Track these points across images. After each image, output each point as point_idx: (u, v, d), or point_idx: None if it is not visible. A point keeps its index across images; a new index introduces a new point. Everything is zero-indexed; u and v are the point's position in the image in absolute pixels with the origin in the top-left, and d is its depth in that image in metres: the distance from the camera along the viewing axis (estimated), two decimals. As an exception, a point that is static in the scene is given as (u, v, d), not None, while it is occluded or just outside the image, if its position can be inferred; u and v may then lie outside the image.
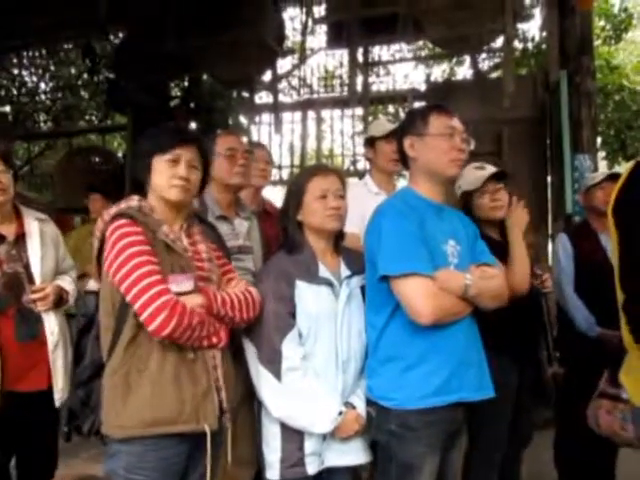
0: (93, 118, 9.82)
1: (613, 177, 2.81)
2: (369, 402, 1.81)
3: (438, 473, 1.79)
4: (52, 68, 9.59)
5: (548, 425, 3.14)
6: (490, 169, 2.33)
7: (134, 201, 1.71)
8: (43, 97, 9.83)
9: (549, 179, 5.43)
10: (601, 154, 6.23)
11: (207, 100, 7.20)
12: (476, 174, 2.35)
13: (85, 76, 8.83)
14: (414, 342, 1.71)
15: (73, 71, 9.59)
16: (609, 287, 1.53)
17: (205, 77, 7.22)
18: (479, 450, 1.96)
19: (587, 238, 2.90)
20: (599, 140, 5.70)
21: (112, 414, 1.60)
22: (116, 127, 8.85)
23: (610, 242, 1.54)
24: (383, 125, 2.66)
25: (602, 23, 7.62)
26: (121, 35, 7.51)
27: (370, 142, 2.68)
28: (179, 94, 7.80)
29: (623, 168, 5.79)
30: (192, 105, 7.23)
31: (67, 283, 2.38)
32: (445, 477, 1.84)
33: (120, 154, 8.56)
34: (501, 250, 2.17)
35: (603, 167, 6.25)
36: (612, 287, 1.52)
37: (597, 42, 6.79)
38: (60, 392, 2.25)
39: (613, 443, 2.84)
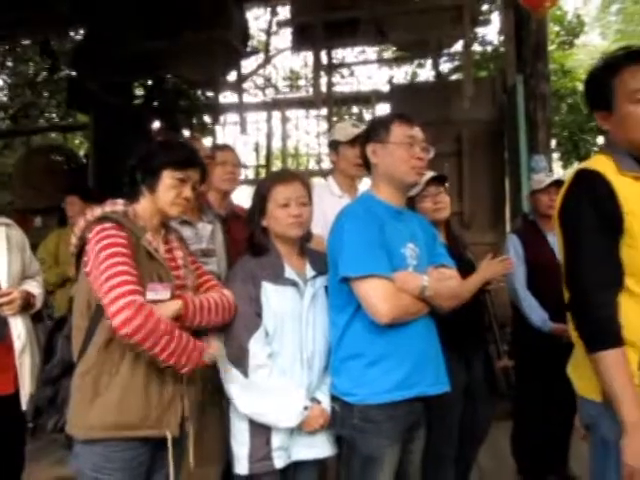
0: (53, 116, 9.62)
1: (557, 183, 2.96)
2: (333, 398, 1.89)
3: (400, 464, 1.88)
4: (10, 64, 9.36)
5: (506, 417, 3.27)
6: (430, 173, 2.40)
7: (119, 205, 1.72)
8: (1, 94, 9.58)
9: (507, 178, 5.62)
10: (556, 155, 6.45)
11: (171, 100, 7.15)
12: None
13: (45, 73, 8.65)
14: (374, 340, 1.79)
15: (32, 68, 9.37)
16: (559, 284, 1.62)
17: (169, 77, 7.17)
18: (432, 444, 2.05)
19: (536, 238, 3.04)
20: (554, 141, 5.89)
21: (78, 415, 1.63)
22: (78, 126, 8.69)
23: (557, 241, 1.64)
24: (347, 129, 2.71)
25: (556, 29, 7.87)
26: (82, 32, 7.38)
27: (334, 146, 2.75)
28: (142, 93, 7.73)
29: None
30: (155, 104, 7.18)
31: (34, 287, 2.38)
32: (406, 468, 1.93)
33: (82, 153, 8.42)
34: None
35: (558, 167, 6.49)
36: (561, 283, 1.60)
37: (552, 47, 7.01)
38: (27, 396, 2.25)
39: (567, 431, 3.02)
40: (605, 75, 1.54)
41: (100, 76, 5.98)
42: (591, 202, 1.47)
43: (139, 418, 1.61)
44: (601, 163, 1.54)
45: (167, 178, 1.71)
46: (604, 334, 1.42)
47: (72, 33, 7.62)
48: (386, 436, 1.79)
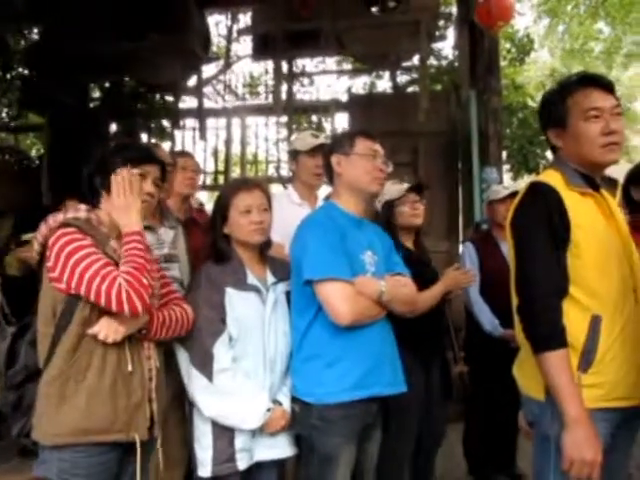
0: (4, 116, 9.30)
1: (514, 194, 3.11)
2: (294, 399, 1.95)
3: (356, 463, 1.95)
4: (-43, 61, 8.99)
5: (460, 419, 3.38)
6: (406, 184, 2.59)
7: (82, 211, 1.70)
8: (-52, 93, 9.18)
9: (460, 189, 5.82)
10: (506, 167, 6.68)
11: (128, 103, 7.06)
12: (397, 186, 2.60)
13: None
14: (334, 342, 1.88)
15: (-19, 65, 9.03)
16: (510, 291, 1.71)
17: (127, 79, 7.07)
18: (388, 444, 2.13)
19: (490, 246, 3.19)
20: (504, 154, 6.12)
21: (45, 421, 1.61)
22: (30, 126, 8.44)
23: (508, 249, 1.75)
24: (306, 140, 2.77)
25: (508, 46, 8.20)
26: (37, 30, 7.19)
27: (294, 155, 2.81)
28: (99, 95, 7.59)
29: (526, 180, 6.26)
30: (113, 107, 7.06)
31: (-11, 291, 2.35)
32: (362, 466, 2.01)
33: (33, 154, 8.19)
34: (414, 259, 2.39)
35: (508, 179, 6.74)
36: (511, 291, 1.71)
37: (503, 63, 7.28)
38: (-19, 402, 2.21)
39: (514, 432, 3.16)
40: (561, 96, 1.68)
41: (56, 76, 5.86)
42: (542, 213, 1.58)
43: (107, 422, 1.61)
44: (552, 177, 1.66)
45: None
46: (550, 336, 1.52)
47: (26, 31, 7.40)
48: (342, 434, 1.87)
